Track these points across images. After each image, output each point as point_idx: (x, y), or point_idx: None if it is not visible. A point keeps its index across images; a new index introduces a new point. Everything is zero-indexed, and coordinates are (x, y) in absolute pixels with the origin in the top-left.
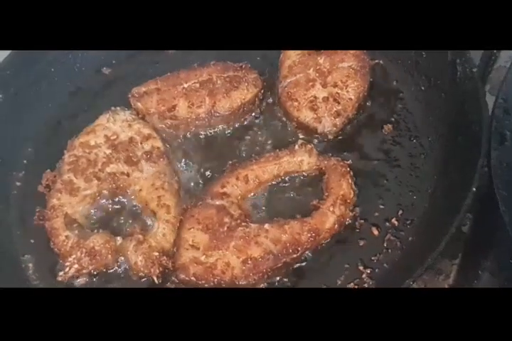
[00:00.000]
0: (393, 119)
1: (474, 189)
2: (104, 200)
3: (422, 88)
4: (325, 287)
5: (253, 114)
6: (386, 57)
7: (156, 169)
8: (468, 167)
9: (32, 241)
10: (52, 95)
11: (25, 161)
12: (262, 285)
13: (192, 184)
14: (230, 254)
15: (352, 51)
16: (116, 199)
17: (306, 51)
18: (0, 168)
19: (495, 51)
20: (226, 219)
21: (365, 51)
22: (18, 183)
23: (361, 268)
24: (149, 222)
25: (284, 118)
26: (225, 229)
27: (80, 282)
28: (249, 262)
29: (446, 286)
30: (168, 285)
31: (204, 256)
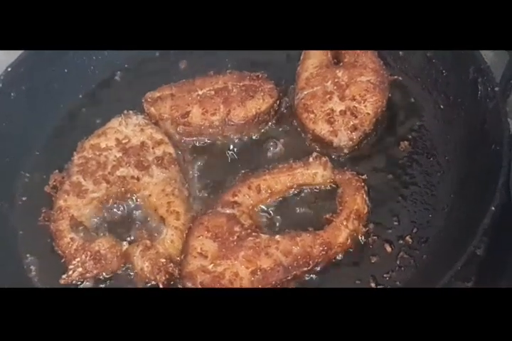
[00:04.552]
0: (410, 136)
1: (493, 208)
2: (112, 204)
3: (441, 106)
4: None
5: (268, 124)
6: (405, 74)
7: (167, 175)
8: (486, 187)
9: (36, 242)
10: (64, 96)
11: (33, 161)
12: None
13: (202, 192)
14: (239, 264)
15: (371, 66)
16: (125, 203)
17: (324, 64)
18: (7, 167)
19: None
20: (236, 229)
21: (384, 66)
22: (25, 183)
23: (373, 285)
24: (157, 228)
25: (299, 130)
26: (235, 238)
27: (84, 286)
28: (259, 273)
29: None
30: None
31: (212, 265)
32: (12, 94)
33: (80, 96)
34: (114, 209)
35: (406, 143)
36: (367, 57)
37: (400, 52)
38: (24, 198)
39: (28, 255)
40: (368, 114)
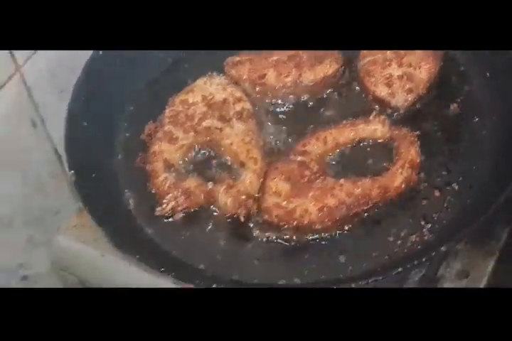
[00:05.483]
0: (459, 100)
1: None
2: (199, 150)
3: (488, 74)
4: (391, 238)
5: (334, 87)
6: None
7: (246, 127)
8: None
9: (133, 180)
10: (155, 61)
11: (129, 115)
12: (335, 231)
13: (276, 143)
14: (309, 202)
15: None
16: (210, 150)
17: None
18: (107, 118)
19: None
20: (306, 173)
21: None
22: (123, 132)
23: (423, 223)
24: (237, 172)
25: (361, 92)
26: (305, 180)
27: (175, 218)
28: (325, 210)
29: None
30: (252, 225)
31: (285, 202)
32: (111, 58)
33: (169, 60)
34: (200, 155)
35: (455, 105)
36: None
37: None
38: (123, 144)
39: (126, 190)
40: (422, 78)
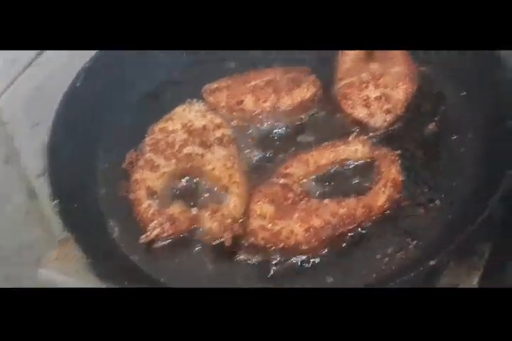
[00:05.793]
0: (436, 119)
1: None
2: (181, 177)
3: (462, 94)
4: (379, 256)
5: (312, 110)
6: (430, 65)
7: (227, 152)
8: (504, 159)
9: (116, 209)
10: (134, 87)
11: (109, 143)
12: (322, 251)
13: (258, 167)
14: (294, 223)
15: (401, 58)
16: (192, 176)
17: (360, 57)
18: (87, 148)
19: None
20: (290, 195)
21: (412, 58)
22: (104, 161)
23: (408, 240)
24: (221, 197)
25: (339, 115)
26: (289, 202)
27: (159, 244)
28: (311, 230)
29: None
30: (238, 249)
31: (271, 224)
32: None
33: (147, 88)
34: (183, 181)
35: (433, 124)
36: (397, 51)
37: None
38: (104, 173)
39: (110, 219)
40: (400, 99)
